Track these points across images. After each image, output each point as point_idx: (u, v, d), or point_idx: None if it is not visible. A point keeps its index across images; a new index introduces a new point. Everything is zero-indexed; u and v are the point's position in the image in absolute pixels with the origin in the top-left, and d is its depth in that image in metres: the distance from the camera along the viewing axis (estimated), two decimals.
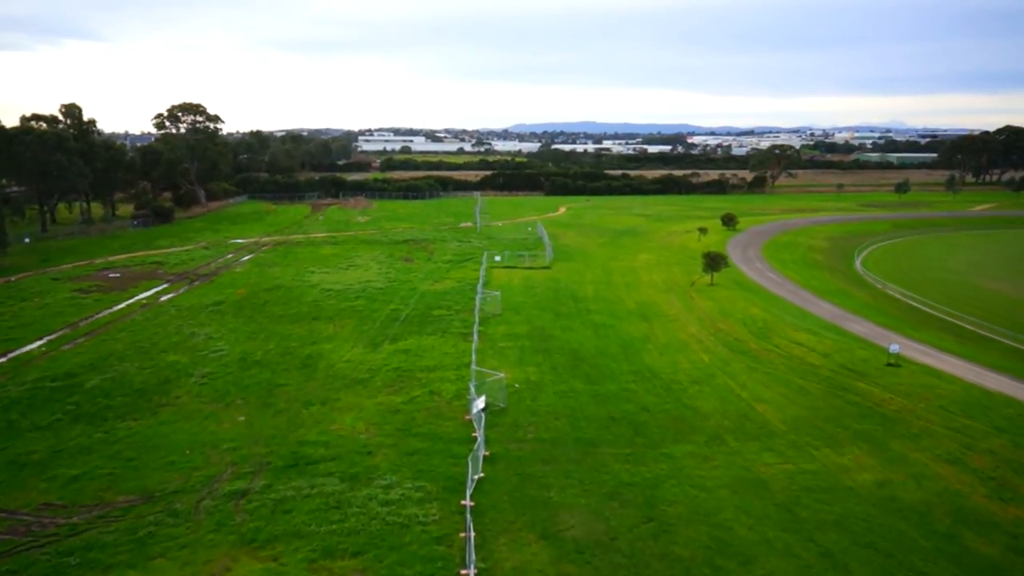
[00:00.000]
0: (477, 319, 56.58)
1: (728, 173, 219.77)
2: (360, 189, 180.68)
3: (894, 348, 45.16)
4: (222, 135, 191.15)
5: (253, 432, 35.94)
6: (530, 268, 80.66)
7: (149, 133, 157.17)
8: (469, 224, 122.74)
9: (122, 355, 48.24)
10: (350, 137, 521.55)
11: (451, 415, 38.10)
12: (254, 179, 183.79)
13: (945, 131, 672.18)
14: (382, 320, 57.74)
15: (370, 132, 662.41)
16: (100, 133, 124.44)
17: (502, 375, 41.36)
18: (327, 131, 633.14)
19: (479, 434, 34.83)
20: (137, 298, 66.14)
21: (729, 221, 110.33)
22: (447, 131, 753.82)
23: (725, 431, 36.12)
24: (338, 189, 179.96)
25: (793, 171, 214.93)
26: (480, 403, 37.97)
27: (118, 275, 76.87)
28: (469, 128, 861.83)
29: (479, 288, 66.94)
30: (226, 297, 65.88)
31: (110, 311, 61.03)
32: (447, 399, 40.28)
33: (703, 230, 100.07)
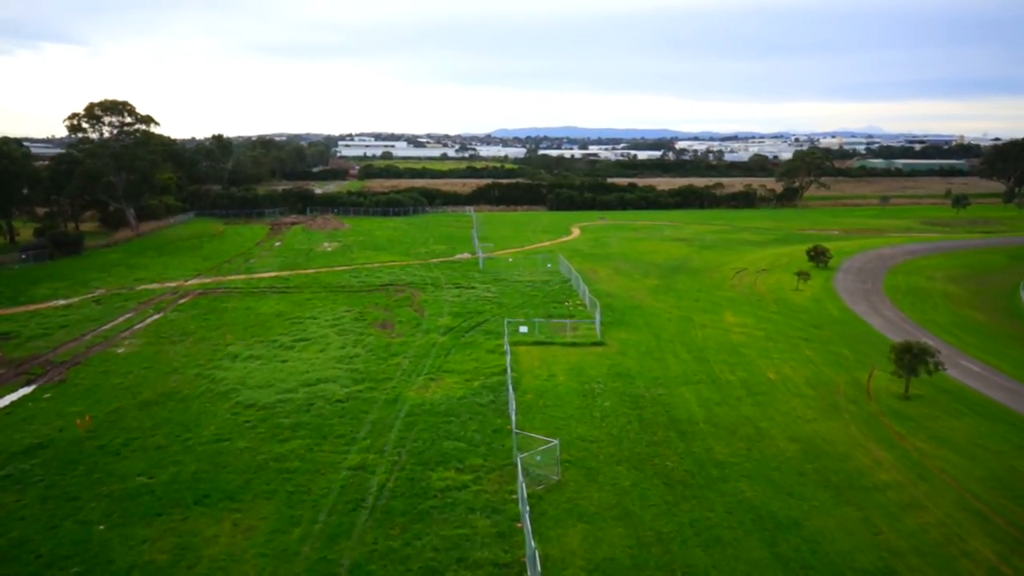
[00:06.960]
0: (528, 522, 27.77)
1: (755, 184, 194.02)
2: (331, 204, 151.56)
3: None
4: (169, 139, 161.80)
5: None
6: (574, 344, 52.53)
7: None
8: (467, 255, 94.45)
9: None
10: (330, 142, 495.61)
11: None
12: (205, 193, 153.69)
13: (925, 136, 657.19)
14: (330, 508, 29.18)
15: (350, 137, 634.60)
16: None
17: None
18: (307, 136, 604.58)
19: None
20: None
21: (818, 256, 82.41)
22: (429, 136, 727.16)
23: None
24: (305, 204, 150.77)
25: (825, 181, 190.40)
26: None
27: None
28: (451, 133, 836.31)
29: (512, 420, 37.85)
30: (60, 430, 36.96)
31: None
32: None
33: (804, 275, 72.00)
